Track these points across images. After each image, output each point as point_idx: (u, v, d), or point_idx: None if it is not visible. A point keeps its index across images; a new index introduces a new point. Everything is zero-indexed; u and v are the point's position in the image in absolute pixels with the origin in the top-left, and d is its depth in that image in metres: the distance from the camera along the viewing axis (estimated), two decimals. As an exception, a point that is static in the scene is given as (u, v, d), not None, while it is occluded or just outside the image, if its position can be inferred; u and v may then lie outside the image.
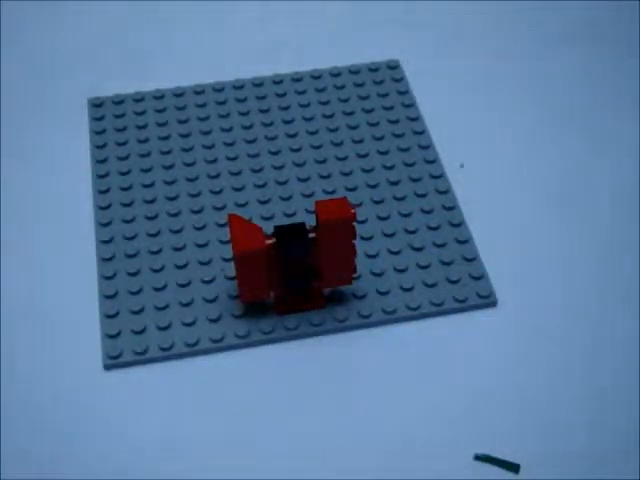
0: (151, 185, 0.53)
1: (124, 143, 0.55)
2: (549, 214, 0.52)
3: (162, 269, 0.49)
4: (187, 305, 0.47)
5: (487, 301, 0.47)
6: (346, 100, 0.58)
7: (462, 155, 0.54)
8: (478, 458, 0.41)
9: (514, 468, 0.41)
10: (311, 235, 0.44)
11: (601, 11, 0.64)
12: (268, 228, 0.47)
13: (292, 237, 0.43)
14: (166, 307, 0.47)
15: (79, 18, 0.64)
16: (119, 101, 0.58)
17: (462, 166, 0.53)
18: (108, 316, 0.47)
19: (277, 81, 0.59)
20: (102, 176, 0.53)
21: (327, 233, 0.42)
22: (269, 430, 0.43)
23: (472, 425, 0.43)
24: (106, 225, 0.51)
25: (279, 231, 0.43)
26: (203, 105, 0.57)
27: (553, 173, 0.54)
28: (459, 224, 0.50)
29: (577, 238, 0.51)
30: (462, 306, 0.47)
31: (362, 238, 0.50)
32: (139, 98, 0.58)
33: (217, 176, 0.53)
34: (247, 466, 0.42)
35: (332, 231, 0.42)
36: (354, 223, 0.43)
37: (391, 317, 0.46)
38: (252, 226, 0.43)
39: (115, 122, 0.57)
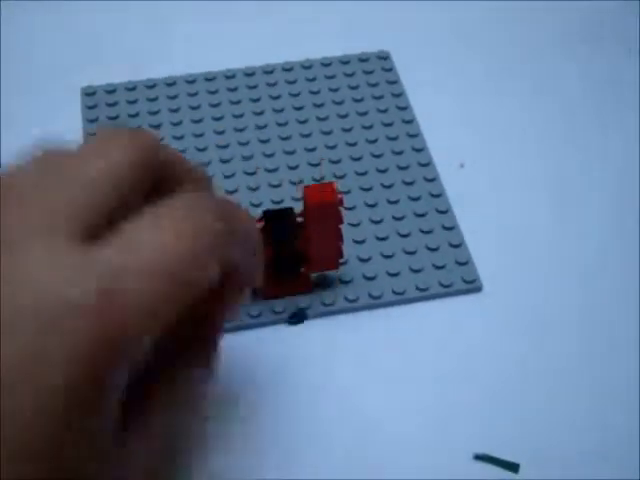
0: (142, 172, 0.54)
1: (116, 131, 0.56)
2: (535, 201, 0.52)
3: (152, 254, 0.49)
4: (177, 289, 0.48)
5: (472, 286, 0.48)
6: (336, 90, 0.58)
7: (450, 143, 0.55)
8: (478, 458, 0.42)
9: (514, 468, 0.41)
10: (299, 219, 0.44)
11: (602, 9, 0.65)
12: (257, 214, 0.47)
13: (280, 221, 0.44)
14: (156, 291, 0.48)
15: (73, 7, 0.64)
16: (111, 90, 0.58)
17: (462, 166, 0.54)
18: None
19: (268, 71, 0.60)
20: (94, 163, 0.54)
21: (314, 217, 0.43)
22: (254, 414, 0.43)
23: (457, 411, 0.43)
24: (97, 211, 0.51)
25: (267, 215, 0.44)
26: (194, 94, 0.58)
27: (540, 160, 0.55)
28: (445, 211, 0.51)
29: (563, 223, 0.51)
30: (447, 291, 0.48)
31: (350, 225, 0.50)
32: (131, 87, 0.59)
33: (208, 164, 0.54)
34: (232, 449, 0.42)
35: (319, 215, 0.43)
36: (341, 208, 0.44)
37: (377, 301, 0.47)
38: (240, 210, 0.44)
39: (108, 110, 0.57)
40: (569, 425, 0.43)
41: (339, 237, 0.45)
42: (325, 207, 0.43)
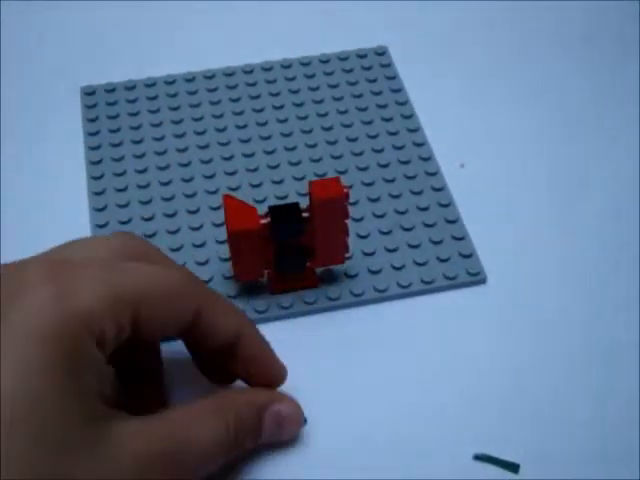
0: (144, 171, 0.54)
1: (117, 130, 0.56)
2: (537, 195, 0.53)
3: (157, 252, 0.49)
4: (182, 286, 0.48)
5: (477, 278, 0.48)
6: (335, 86, 0.59)
7: (449, 137, 0.55)
8: (478, 458, 0.42)
9: (514, 468, 0.41)
10: (305, 215, 0.44)
11: (602, 11, 0.65)
12: (261, 211, 0.47)
13: (286, 217, 0.44)
14: (162, 289, 0.48)
15: (72, 7, 0.65)
16: (111, 89, 0.58)
17: (462, 166, 0.54)
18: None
19: (267, 68, 0.60)
20: (95, 163, 0.54)
21: (321, 212, 0.43)
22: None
23: (461, 403, 0.44)
24: (101, 210, 0.52)
25: (273, 211, 0.44)
26: (194, 92, 0.58)
27: (540, 156, 0.55)
28: (448, 204, 0.51)
29: (566, 217, 0.52)
30: (452, 283, 0.48)
31: (353, 219, 0.50)
32: (131, 86, 0.59)
33: (209, 161, 0.54)
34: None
35: (325, 210, 0.43)
36: (346, 203, 0.44)
37: (383, 295, 0.47)
38: (246, 206, 0.44)
39: (107, 110, 0.57)
40: (569, 425, 0.43)
41: (345, 231, 0.45)
42: (331, 202, 0.43)
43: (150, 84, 0.59)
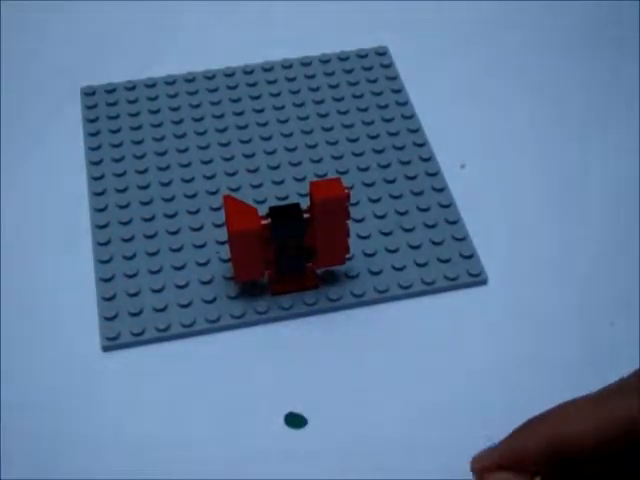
0: (145, 171, 0.54)
1: (117, 131, 0.56)
2: (538, 196, 0.53)
3: (157, 252, 0.49)
4: (183, 287, 0.48)
5: (478, 279, 0.48)
6: (336, 86, 0.59)
7: (450, 137, 0.55)
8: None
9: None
10: (305, 216, 0.44)
11: (601, 11, 0.65)
12: (261, 211, 0.47)
13: (287, 217, 0.44)
14: (162, 289, 0.48)
15: (72, 8, 0.65)
16: (111, 89, 0.58)
17: (463, 167, 0.54)
18: (105, 299, 0.47)
19: (267, 68, 0.60)
20: (96, 163, 0.54)
21: (321, 213, 0.43)
22: (264, 409, 0.44)
23: (462, 403, 0.44)
24: (101, 211, 0.52)
25: (274, 212, 0.44)
26: (195, 92, 0.58)
27: (541, 154, 0.55)
28: (449, 205, 0.51)
29: (566, 219, 0.52)
30: (453, 284, 0.48)
31: (354, 220, 0.50)
32: (131, 86, 0.59)
33: (210, 162, 0.54)
34: (238, 445, 0.42)
35: (326, 211, 0.43)
36: (347, 203, 0.44)
37: (384, 296, 0.47)
38: (247, 207, 0.44)
39: (107, 110, 0.57)
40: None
41: (346, 232, 0.45)
42: (332, 203, 0.43)
43: (150, 84, 0.59)
